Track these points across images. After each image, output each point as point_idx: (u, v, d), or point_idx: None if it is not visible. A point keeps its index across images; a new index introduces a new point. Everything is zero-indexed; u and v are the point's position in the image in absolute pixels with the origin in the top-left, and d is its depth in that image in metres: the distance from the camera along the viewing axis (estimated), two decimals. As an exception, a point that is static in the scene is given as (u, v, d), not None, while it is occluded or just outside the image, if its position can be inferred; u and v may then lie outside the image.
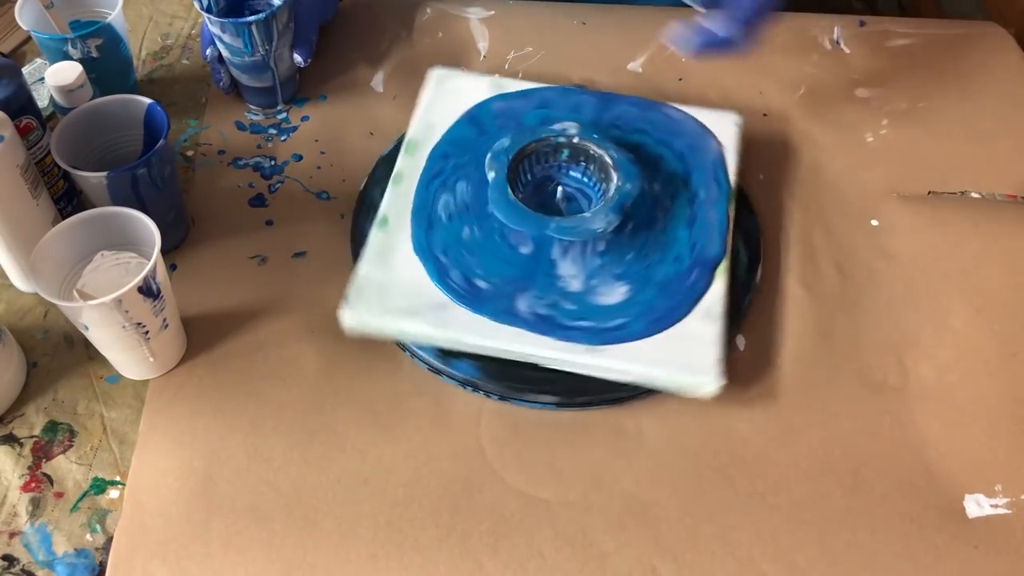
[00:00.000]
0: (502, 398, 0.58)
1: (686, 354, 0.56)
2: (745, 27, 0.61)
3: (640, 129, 0.68)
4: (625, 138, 0.67)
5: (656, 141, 0.67)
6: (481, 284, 0.59)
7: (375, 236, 0.61)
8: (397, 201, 0.63)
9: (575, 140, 0.63)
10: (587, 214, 0.59)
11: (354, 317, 0.57)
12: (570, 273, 0.60)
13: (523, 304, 0.58)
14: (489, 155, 0.62)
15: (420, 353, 0.59)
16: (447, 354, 0.58)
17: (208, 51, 0.72)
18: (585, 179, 0.65)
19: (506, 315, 0.57)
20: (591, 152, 0.63)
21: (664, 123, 0.69)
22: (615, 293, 0.59)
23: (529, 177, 0.64)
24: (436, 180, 0.64)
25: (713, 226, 0.62)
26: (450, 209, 0.62)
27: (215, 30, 0.68)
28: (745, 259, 0.64)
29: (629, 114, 0.69)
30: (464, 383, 0.58)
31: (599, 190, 0.63)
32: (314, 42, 0.74)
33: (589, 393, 0.58)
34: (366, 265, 0.60)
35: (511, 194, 0.60)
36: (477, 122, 0.68)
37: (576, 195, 0.64)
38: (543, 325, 0.57)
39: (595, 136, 0.63)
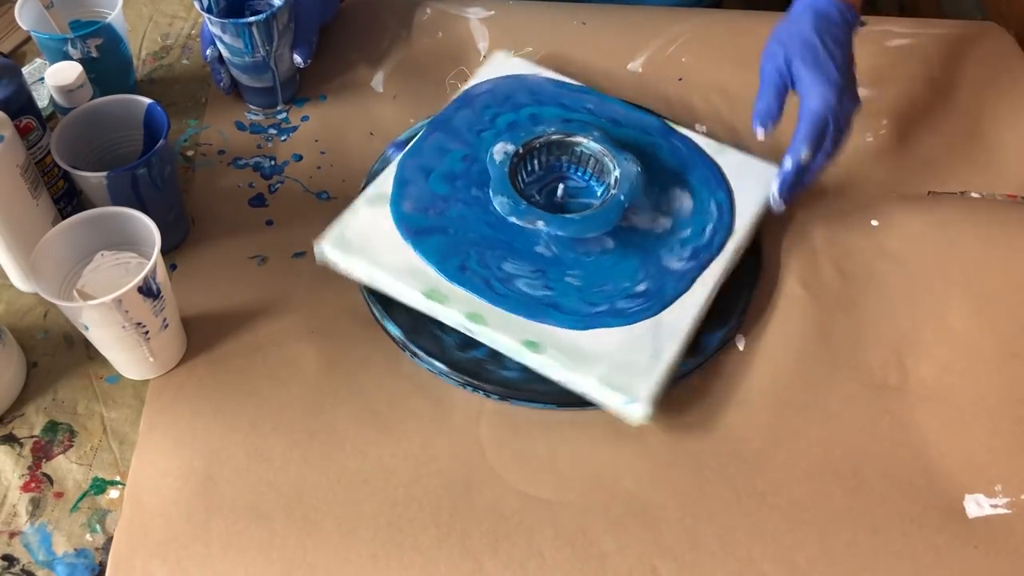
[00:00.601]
0: (502, 398, 0.58)
1: (625, 369, 0.55)
2: (811, 148, 0.62)
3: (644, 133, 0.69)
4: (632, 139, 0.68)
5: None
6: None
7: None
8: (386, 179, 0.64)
9: (559, 136, 0.63)
10: (588, 213, 0.60)
11: (328, 253, 0.60)
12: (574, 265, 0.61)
13: (510, 267, 0.60)
14: (489, 164, 0.62)
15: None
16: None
17: (208, 51, 0.72)
18: (586, 178, 0.65)
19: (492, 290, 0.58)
20: (594, 154, 0.63)
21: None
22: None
23: (528, 177, 0.64)
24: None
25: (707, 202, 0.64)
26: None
27: (215, 30, 0.68)
28: (745, 259, 0.64)
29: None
30: (464, 383, 0.58)
31: (603, 190, 0.64)
32: (314, 43, 0.74)
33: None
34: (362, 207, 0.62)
35: (514, 190, 0.60)
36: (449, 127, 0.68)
37: (577, 193, 0.65)
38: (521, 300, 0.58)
39: (590, 131, 0.63)
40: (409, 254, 0.60)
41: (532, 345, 0.56)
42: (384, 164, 0.67)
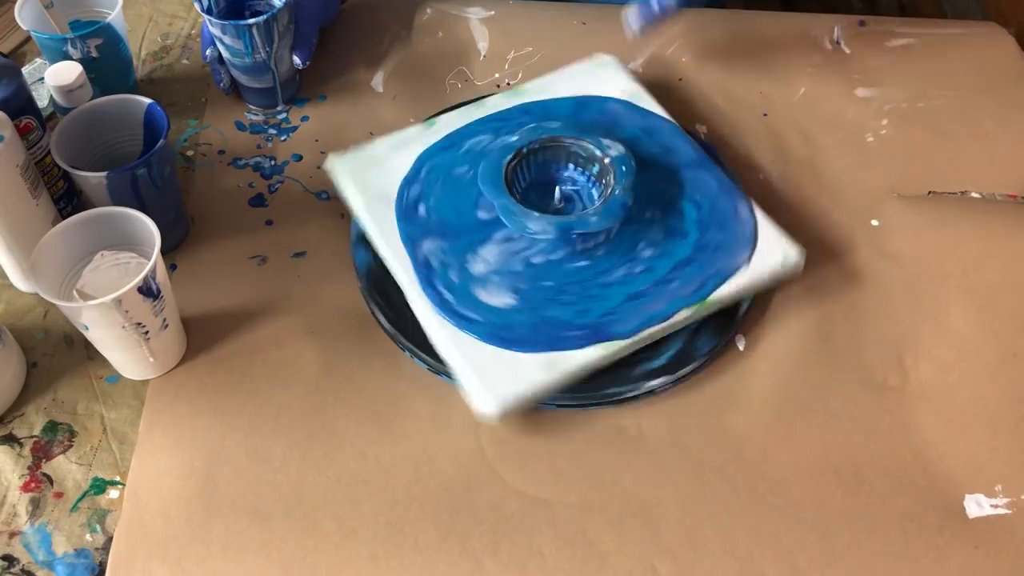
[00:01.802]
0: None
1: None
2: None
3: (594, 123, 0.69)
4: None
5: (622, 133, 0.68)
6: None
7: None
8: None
9: (562, 139, 0.63)
10: (592, 210, 0.60)
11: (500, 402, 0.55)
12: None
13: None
14: (480, 173, 0.62)
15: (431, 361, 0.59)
16: None
17: (208, 52, 0.72)
18: (582, 176, 0.65)
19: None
20: (581, 148, 0.63)
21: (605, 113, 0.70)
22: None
23: (523, 183, 0.64)
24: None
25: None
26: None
27: (216, 32, 0.68)
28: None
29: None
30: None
31: (599, 188, 0.64)
32: (314, 44, 0.74)
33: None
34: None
35: (520, 204, 0.60)
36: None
37: (573, 195, 0.65)
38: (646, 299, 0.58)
39: (578, 132, 0.63)
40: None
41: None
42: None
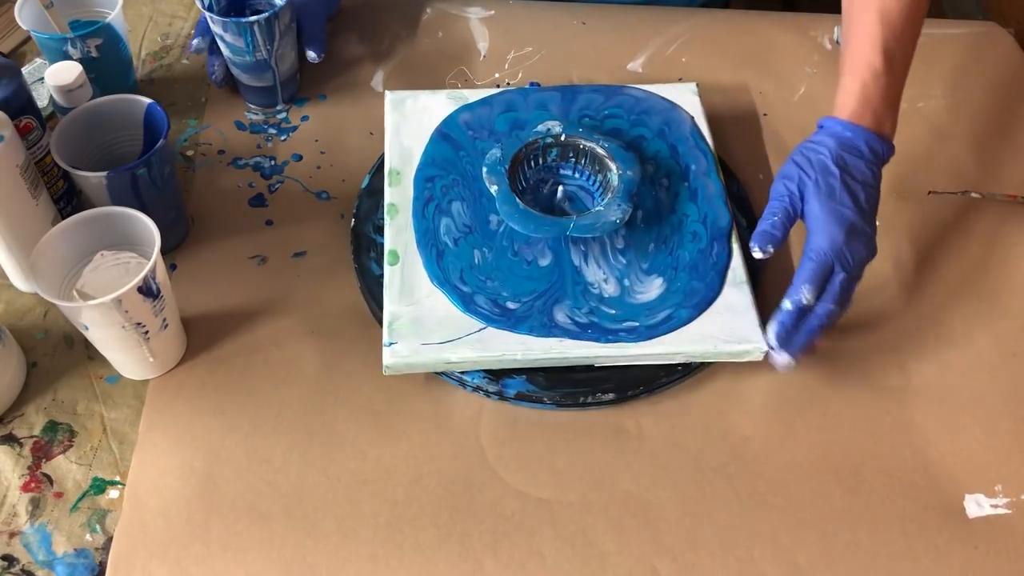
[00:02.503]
0: (502, 398, 0.58)
1: (730, 327, 0.57)
2: (815, 291, 0.55)
3: (611, 115, 0.68)
4: (600, 126, 0.67)
5: (631, 123, 0.68)
6: (511, 305, 0.58)
7: (390, 273, 0.60)
8: (399, 234, 0.62)
9: (563, 138, 0.63)
10: (600, 207, 0.60)
11: (396, 356, 0.56)
12: (599, 277, 0.60)
13: (561, 315, 0.58)
14: (485, 169, 0.62)
15: (469, 379, 0.58)
16: (497, 373, 0.58)
17: (195, 42, 0.72)
18: (580, 175, 0.65)
19: (546, 329, 0.57)
20: (581, 147, 0.63)
21: (631, 104, 0.69)
22: (651, 288, 0.59)
23: (525, 184, 0.64)
24: (430, 205, 0.63)
25: (713, 195, 0.64)
26: (454, 233, 0.62)
27: (217, 29, 0.68)
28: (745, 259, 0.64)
29: (595, 102, 0.69)
30: (519, 398, 0.58)
31: (597, 183, 0.63)
32: (324, 36, 0.74)
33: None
34: (392, 305, 0.58)
35: (521, 203, 0.60)
36: (450, 138, 0.67)
37: (576, 193, 0.64)
38: (588, 332, 0.57)
39: (580, 130, 0.64)
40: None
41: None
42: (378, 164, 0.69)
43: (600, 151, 0.63)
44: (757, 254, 0.56)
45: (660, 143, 0.67)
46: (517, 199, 0.60)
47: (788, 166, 0.58)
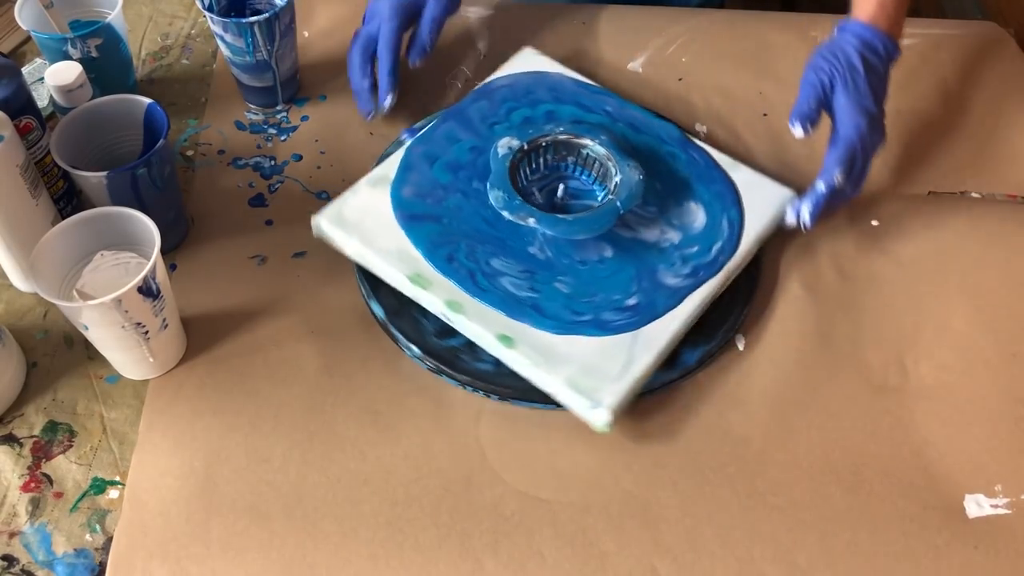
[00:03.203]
0: (502, 398, 0.58)
1: (594, 372, 0.55)
2: (862, 181, 0.63)
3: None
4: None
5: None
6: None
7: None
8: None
9: (566, 137, 0.64)
10: (604, 202, 0.60)
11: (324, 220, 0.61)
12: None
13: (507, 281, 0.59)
14: (491, 157, 0.62)
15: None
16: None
17: (386, 102, 0.71)
18: (579, 173, 0.65)
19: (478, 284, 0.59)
20: (592, 150, 0.63)
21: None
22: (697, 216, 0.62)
23: (532, 175, 0.64)
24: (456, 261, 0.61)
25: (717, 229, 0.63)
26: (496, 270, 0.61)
27: (217, 29, 0.68)
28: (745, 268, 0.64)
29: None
30: (437, 371, 0.58)
31: (596, 179, 0.64)
32: (429, 44, 0.72)
33: None
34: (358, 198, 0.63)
35: (522, 200, 0.60)
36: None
37: (579, 194, 0.65)
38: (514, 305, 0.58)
39: (597, 134, 0.63)
40: (401, 238, 0.61)
41: (506, 339, 0.56)
42: (396, 148, 0.68)
43: (612, 167, 0.63)
44: (798, 131, 0.61)
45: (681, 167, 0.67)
46: (509, 181, 0.60)
47: (818, 59, 0.64)
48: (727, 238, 0.62)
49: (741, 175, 0.66)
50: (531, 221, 0.59)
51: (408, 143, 0.66)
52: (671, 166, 0.66)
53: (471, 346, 0.59)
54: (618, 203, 0.60)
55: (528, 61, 0.73)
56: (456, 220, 0.62)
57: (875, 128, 0.62)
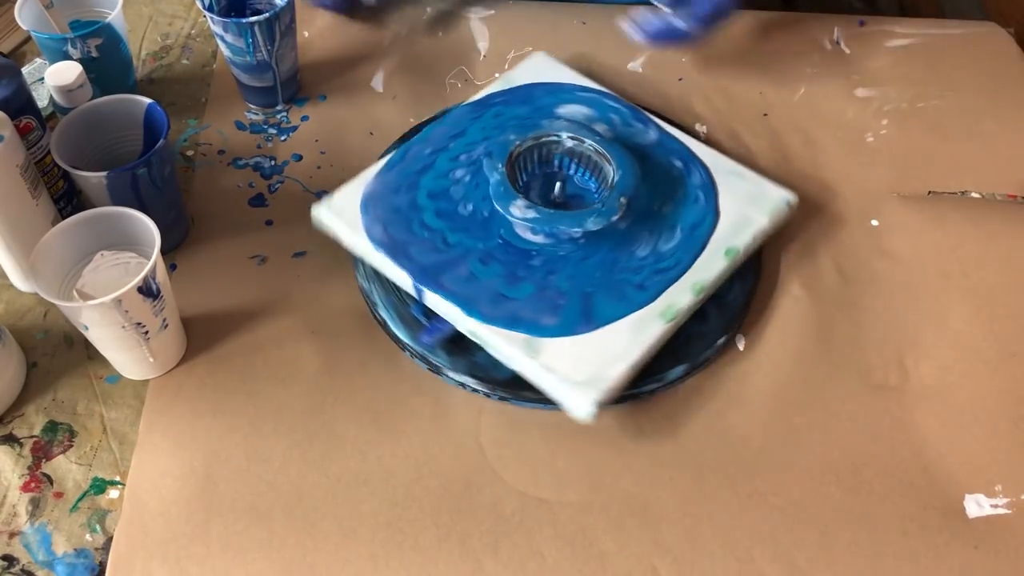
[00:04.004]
0: (502, 398, 0.58)
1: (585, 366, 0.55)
2: (704, 25, 0.66)
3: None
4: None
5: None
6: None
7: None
8: None
9: (567, 137, 0.63)
10: (601, 200, 0.60)
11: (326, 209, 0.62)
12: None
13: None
14: (486, 159, 0.62)
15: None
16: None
17: None
18: (577, 172, 0.65)
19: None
20: (585, 148, 0.64)
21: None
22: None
23: (526, 177, 0.64)
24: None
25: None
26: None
27: (217, 30, 0.68)
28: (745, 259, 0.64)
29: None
30: (464, 384, 0.58)
31: (593, 178, 0.64)
32: None
33: None
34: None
35: (520, 195, 0.60)
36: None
37: (577, 192, 0.65)
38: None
39: (586, 131, 0.64)
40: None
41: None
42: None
43: (602, 154, 0.63)
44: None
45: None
46: (523, 199, 0.60)
47: None
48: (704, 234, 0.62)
49: (733, 178, 0.66)
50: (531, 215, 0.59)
51: (384, 160, 0.66)
52: (666, 170, 0.66)
53: (472, 346, 0.59)
54: (620, 197, 0.60)
55: (538, 64, 0.73)
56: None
57: None
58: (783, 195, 0.65)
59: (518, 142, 0.63)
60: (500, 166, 0.61)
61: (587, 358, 0.55)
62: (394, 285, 0.61)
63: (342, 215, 0.62)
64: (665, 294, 0.58)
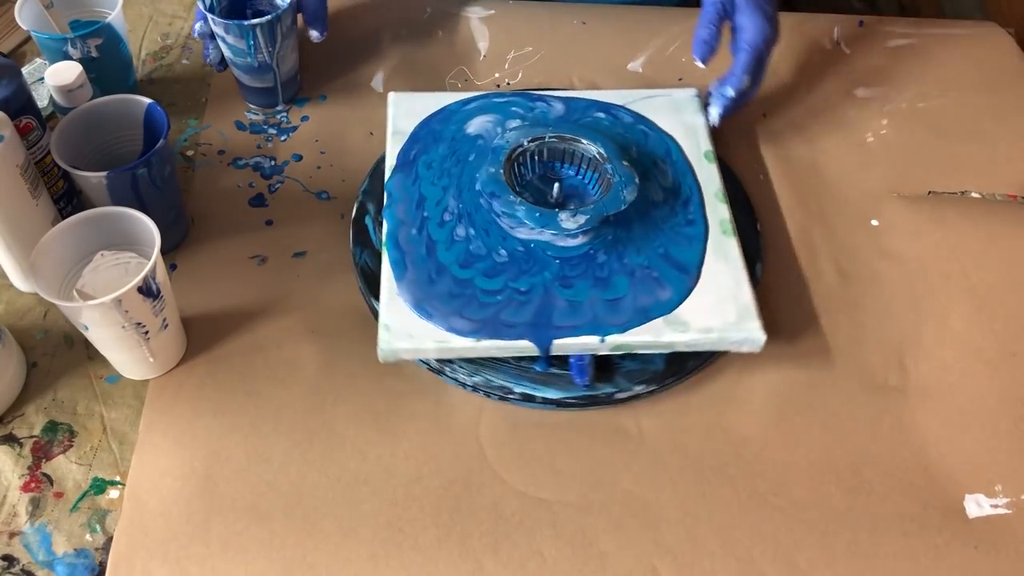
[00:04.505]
0: (502, 398, 0.58)
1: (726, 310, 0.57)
2: (751, 77, 0.67)
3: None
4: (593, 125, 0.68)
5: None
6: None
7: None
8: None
9: (563, 136, 0.64)
10: (599, 198, 0.60)
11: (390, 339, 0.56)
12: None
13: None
14: (481, 175, 0.61)
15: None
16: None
17: (197, 26, 0.70)
18: (574, 171, 0.65)
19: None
20: (574, 146, 0.64)
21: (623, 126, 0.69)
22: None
23: (523, 180, 0.64)
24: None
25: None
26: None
27: (218, 31, 0.68)
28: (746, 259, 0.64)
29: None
30: (464, 384, 0.58)
31: (591, 178, 0.64)
32: (326, 15, 0.74)
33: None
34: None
35: (518, 197, 0.60)
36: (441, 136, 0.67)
37: (573, 192, 0.65)
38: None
39: (540, 128, 0.64)
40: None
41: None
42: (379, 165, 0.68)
43: (594, 149, 0.63)
44: (700, 64, 0.67)
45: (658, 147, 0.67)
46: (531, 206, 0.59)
47: None
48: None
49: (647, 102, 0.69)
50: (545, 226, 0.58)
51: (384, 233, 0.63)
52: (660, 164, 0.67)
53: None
54: (622, 193, 0.60)
55: (404, 104, 0.70)
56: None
57: (775, 30, 0.67)
58: (689, 92, 0.71)
59: (516, 146, 0.62)
60: (512, 197, 0.59)
61: (720, 299, 0.58)
62: None
63: (409, 334, 0.56)
64: (708, 216, 0.62)
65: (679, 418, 0.58)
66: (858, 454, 0.56)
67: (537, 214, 0.58)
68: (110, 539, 0.52)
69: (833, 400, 0.59)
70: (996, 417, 0.58)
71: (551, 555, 0.52)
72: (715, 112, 0.69)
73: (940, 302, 0.63)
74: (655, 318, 0.57)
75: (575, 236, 0.59)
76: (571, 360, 0.58)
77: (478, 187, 0.61)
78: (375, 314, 0.61)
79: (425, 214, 0.62)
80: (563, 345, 0.56)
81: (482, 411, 0.58)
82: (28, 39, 0.80)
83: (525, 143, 0.63)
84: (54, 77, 0.62)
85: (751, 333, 0.57)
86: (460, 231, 0.61)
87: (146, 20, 0.83)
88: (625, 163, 0.61)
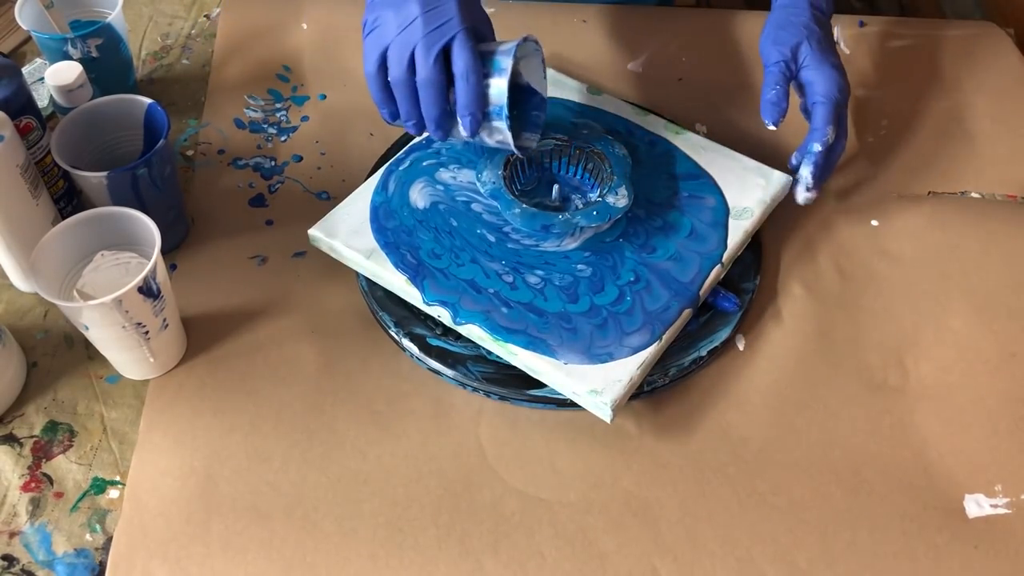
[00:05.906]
0: (502, 398, 0.58)
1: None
2: (834, 128, 0.64)
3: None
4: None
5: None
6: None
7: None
8: None
9: (563, 137, 0.64)
10: (599, 198, 0.61)
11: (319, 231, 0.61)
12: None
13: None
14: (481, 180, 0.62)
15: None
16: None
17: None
18: (572, 172, 0.65)
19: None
20: (574, 148, 0.64)
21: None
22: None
23: (521, 183, 0.64)
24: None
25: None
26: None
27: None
28: (746, 259, 0.64)
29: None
30: (464, 384, 0.58)
31: (590, 178, 0.64)
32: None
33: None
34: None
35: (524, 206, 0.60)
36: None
37: (572, 192, 0.65)
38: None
39: (584, 132, 0.64)
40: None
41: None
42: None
43: (597, 152, 0.63)
44: (771, 127, 0.64)
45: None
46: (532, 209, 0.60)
47: (774, 33, 0.66)
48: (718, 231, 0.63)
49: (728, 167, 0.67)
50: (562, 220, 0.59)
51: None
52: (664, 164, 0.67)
53: (472, 346, 0.59)
54: (623, 191, 0.60)
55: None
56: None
57: (845, 80, 0.65)
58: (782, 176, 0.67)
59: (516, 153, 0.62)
60: (516, 206, 0.60)
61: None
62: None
63: (334, 234, 0.61)
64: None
65: (679, 418, 0.58)
66: (858, 454, 0.56)
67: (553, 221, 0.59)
68: (110, 539, 0.52)
69: (833, 400, 0.59)
70: (996, 417, 0.58)
71: (551, 555, 0.52)
72: (806, 172, 0.64)
73: (940, 302, 0.63)
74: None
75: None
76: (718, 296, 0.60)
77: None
78: (375, 314, 0.61)
79: (435, 248, 0.61)
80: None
81: (482, 411, 0.58)
82: (28, 39, 0.80)
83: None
84: (54, 77, 0.62)
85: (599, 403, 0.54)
86: (508, 279, 0.60)
87: (146, 20, 0.83)
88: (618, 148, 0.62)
